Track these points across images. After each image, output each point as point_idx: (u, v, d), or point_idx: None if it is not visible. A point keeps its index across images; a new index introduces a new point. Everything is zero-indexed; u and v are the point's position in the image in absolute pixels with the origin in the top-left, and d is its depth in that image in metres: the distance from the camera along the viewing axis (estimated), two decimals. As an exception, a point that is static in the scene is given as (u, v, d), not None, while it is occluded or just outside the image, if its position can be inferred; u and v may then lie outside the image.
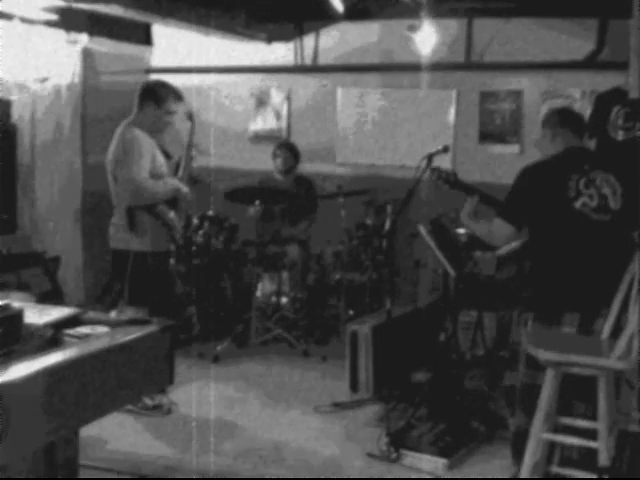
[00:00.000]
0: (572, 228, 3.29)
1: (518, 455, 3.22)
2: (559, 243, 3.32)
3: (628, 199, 3.33)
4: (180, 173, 4.42)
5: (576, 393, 3.20)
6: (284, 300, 5.71)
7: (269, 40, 6.57)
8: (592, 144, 4.99)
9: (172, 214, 4.27)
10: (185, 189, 4.38)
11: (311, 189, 6.17)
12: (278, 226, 6.00)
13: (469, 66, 6.07)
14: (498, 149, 6.05)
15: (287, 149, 6.18)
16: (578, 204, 3.28)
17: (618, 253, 3.21)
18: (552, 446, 3.21)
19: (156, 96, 4.21)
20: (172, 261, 5.19)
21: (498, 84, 6.02)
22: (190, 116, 4.51)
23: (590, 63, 5.60)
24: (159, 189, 4.20)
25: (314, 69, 6.64)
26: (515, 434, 3.39)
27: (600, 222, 3.29)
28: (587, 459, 3.12)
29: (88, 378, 2.32)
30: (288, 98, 6.80)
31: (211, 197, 5.73)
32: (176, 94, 4.30)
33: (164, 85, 4.31)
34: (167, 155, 4.40)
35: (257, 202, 5.53)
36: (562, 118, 3.56)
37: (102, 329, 2.62)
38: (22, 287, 5.25)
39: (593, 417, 3.09)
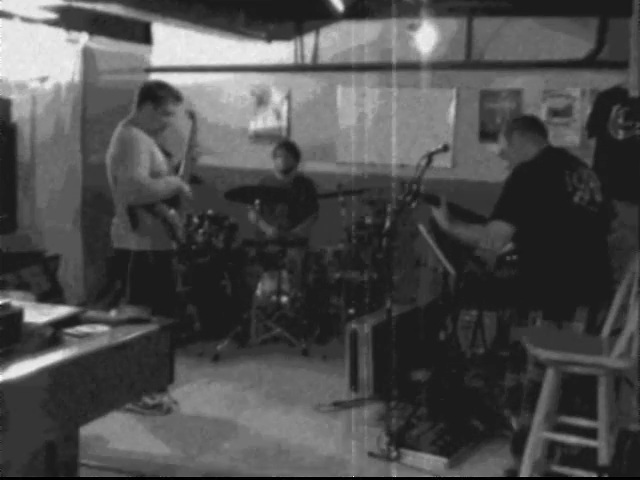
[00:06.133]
0: (574, 222, 3.34)
1: (519, 453, 3.21)
2: (563, 238, 3.35)
3: (604, 193, 3.47)
4: (181, 171, 4.40)
5: (577, 390, 3.20)
6: (284, 299, 5.70)
7: (269, 39, 6.56)
8: (592, 143, 5.02)
9: (172, 212, 4.26)
10: (187, 188, 4.37)
11: (311, 189, 6.16)
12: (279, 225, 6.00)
13: (469, 65, 6.06)
14: (498, 148, 6.04)
15: (287, 149, 6.16)
16: (576, 198, 3.36)
17: (605, 245, 3.38)
18: (552, 444, 3.22)
19: (154, 97, 4.19)
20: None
21: (498, 83, 6.01)
22: (191, 115, 4.49)
23: (590, 62, 5.59)
24: (160, 188, 4.18)
25: (314, 68, 6.64)
26: (518, 433, 3.39)
27: (593, 214, 3.38)
28: (587, 458, 3.12)
29: (88, 377, 2.32)
30: (288, 97, 6.79)
31: (211, 196, 5.73)
32: (175, 95, 4.27)
33: (163, 86, 4.28)
34: (167, 154, 4.38)
35: (257, 201, 5.54)
36: (528, 123, 3.67)
37: (102, 328, 2.62)
38: (22, 286, 5.25)
39: (590, 414, 3.10)
